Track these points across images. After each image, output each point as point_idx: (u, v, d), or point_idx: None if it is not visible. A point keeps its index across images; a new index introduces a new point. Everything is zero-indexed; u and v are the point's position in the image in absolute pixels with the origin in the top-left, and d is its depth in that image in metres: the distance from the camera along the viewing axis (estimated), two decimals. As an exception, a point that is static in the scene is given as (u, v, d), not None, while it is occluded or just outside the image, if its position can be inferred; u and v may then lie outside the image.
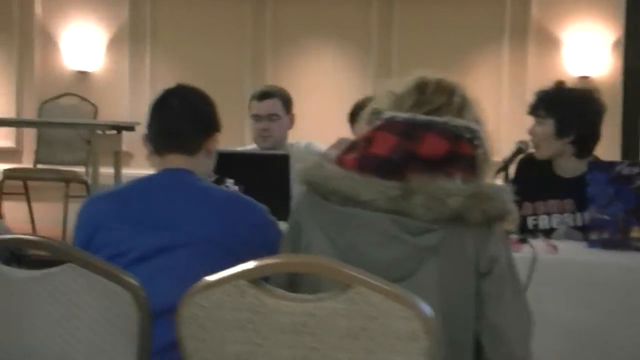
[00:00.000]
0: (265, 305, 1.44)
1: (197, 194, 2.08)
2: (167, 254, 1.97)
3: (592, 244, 2.88)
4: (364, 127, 1.94)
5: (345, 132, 6.18)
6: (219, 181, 3.05)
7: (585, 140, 3.19)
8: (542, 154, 3.23)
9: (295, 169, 3.36)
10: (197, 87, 2.24)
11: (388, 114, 1.81)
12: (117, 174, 5.76)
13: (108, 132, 5.73)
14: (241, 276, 1.45)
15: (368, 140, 1.79)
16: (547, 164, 3.25)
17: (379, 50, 6.50)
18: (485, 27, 6.32)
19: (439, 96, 1.86)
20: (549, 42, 6.28)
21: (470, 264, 1.74)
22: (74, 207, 6.07)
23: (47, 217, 6.21)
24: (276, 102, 3.76)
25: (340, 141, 3.47)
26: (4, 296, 1.52)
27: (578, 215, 3.20)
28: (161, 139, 2.15)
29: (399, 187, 1.72)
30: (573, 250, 2.87)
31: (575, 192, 3.14)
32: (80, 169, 6.09)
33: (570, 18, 6.24)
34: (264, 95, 3.78)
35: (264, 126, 3.72)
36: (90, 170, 5.70)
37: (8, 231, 2.13)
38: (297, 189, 3.44)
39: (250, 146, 3.95)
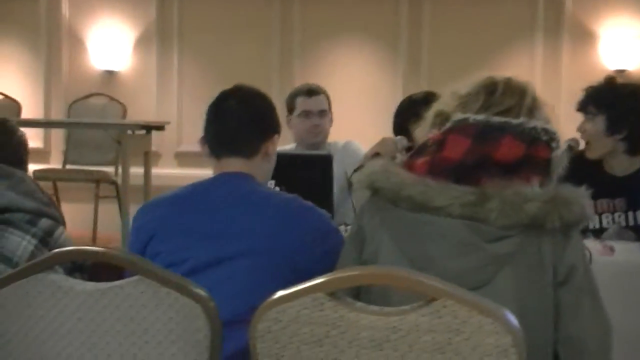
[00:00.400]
0: (344, 319, 1.37)
1: (257, 200, 2.00)
2: (226, 263, 1.90)
3: (648, 244, 2.81)
4: (426, 129, 1.86)
5: (374, 130, 6.12)
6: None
7: (638, 136, 3.10)
8: (594, 152, 3.14)
9: (335, 169, 3.32)
10: (254, 87, 2.18)
11: (459, 116, 1.74)
12: (147, 174, 5.72)
13: (137, 132, 5.69)
14: (320, 288, 1.38)
15: (439, 143, 1.72)
16: (597, 162, 3.16)
17: (409, 49, 6.42)
18: (517, 23, 6.23)
19: (509, 97, 1.80)
20: (585, 37, 6.18)
21: (547, 272, 1.66)
22: (104, 208, 6.06)
23: (77, 218, 6.16)
24: (324, 99, 3.72)
25: (383, 141, 3.39)
26: (70, 310, 1.46)
27: (630, 214, 3.11)
28: (218, 141, 2.08)
29: (474, 192, 1.65)
30: (628, 251, 2.79)
31: (627, 190, 3.06)
32: (109, 169, 6.06)
33: (606, 11, 6.14)
34: (313, 91, 3.72)
35: (315, 122, 3.66)
36: (120, 170, 5.65)
37: (71, 241, 2.06)
38: (338, 190, 3.40)
39: (289, 146, 3.88)
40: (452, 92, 1.86)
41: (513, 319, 1.37)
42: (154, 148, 5.98)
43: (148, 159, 5.71)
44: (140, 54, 6.67)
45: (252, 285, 1.86)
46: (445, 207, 1.66)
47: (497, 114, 1.77)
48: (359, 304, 1.40)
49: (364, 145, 3.79)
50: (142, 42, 6.66)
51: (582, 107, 3.17)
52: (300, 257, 1.92)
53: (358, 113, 6.29)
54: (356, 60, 6.49)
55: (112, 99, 6.43)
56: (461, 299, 1.33)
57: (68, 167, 6.27)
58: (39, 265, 1.47)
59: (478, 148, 1.68)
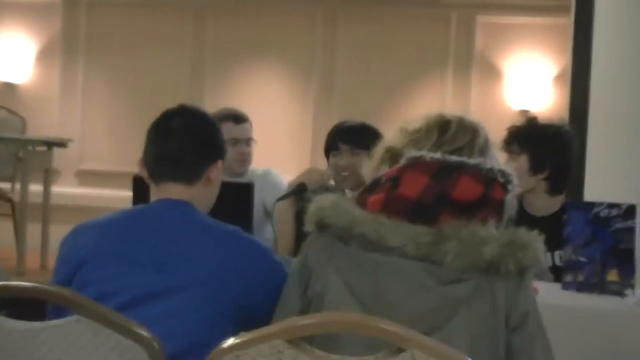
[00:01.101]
0: (304, 368, 1.28)
1: (198, 230, 1.87)
2: (159, 299, 1.75)
3: (566, 286, 2.81)
4: (374, 166, 1.81)
5: (282, 153, 6.06)
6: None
7: (559, 175, 3.14)
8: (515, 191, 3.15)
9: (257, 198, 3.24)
10: (199, 108, 2.05)
11: (414, 153, 1.69)
12: (47, 193, 5.47)
13: (38, 148, 5.45)
14: (279, 335, 1.28)
15: (394, 180, 1.66)
16: (517, 201, 3.17)
17: (322, 74, 6.42)
18: (430, 55, 6.31)
19: (461, 136, 1.77)
20: (491, 74, 6.31)
21: (500, 317, 1.63)
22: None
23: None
24: (249, 126, 3.61)
25: (309, 171, 3.33)
26: (-2, 351, 1.31)
27: (548, 255, 3.13)
28: (158, 165, 1.94)
29: (430, 233, 1.60)
30: (547, 293, 2.79)
31: (546, 231, 3.07)
32: (4, 185, 5.76)
33: (512, 49, 6.28)
34: (240, 118, 3.60)
35: (242, 150, 3.54)
36: (19, 187, 5.38)
37: (6, 276, 1.88)
38: (258, 219, 3.30)
39: None
40: (400, 128, 1.81)
41: (479, 371, 1.31)
42: (54, 165, 5.73)
43: (48, 176, 5.47)
44: (42, 66, 6.41)
45: (192, 321, 1.74)
46: (400, 247, 1.60)
47: (449, 152, 1.73)
48: (319, 352, 1.31)
49: (275, 169, 3.73)
50: (45, 54, 6.41)
51: (505, 146, 3.19)
52: (244, 292, 1.81)
53: (266, 135, 6.21)
54: (268, 81, 6.43)
55: (10, 112, 6.14)
56: (431, 349, 1.26)
57: (-41, 181, 5.93)
58: (-37, 300, 1.32)
59: (436, 186, 1.63)
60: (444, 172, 1.65)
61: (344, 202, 1.69)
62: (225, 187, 3.22)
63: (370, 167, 1.82)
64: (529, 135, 3.16)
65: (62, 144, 5.54)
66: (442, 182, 1.63)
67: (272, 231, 3.56)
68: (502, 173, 1.69)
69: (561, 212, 3.05)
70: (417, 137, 1.77)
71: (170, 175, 1.92)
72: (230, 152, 3.54)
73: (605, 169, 4.71)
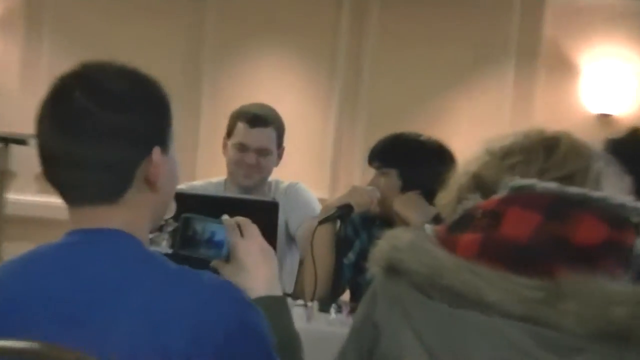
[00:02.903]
0: None
1: (123, 279, 1.45)
2: None
3: None
4: (453, 195, 1.74)
5: (301, 162, 6.00)
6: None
7: None
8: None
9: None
10: (117, 66, 1.55)
11: (520, 181, 1.62)
12: (1, 199, 5.44)
13: (-8, 146, 5.44)
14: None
15: (494, 216, 1.59)
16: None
17: (348, 66, 6.37)
18: (486, 45, 6.27)
19: (573, 159, 1.71)
20: (563, 69, 6.28)
21: (631, 399, 1.55)
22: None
23: None
24: (271, 133, 3.55)
25: (355, 190, 3.33)
26: None
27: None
28: (54, 173, 1.53)
29: (544, 287, 1.52)
30: None
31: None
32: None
33: (590, 39, 6.24)
34: (259, 120, 3.52)
35: (249, 161, 3.47)
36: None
37: None
38: (280, 243, 3.25)
39: (216, 179, 3.69)
40: (486, 149, 1.76)
41: None
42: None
43: (4, 179, 5.44)
44: (-1, 43, 6.38)
45: None
46: (500, 303, 1.53)
47: (556, 180, 1.66)
48: None
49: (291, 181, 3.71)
50: (1, 30, 6.36)
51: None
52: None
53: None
54: (282, 74, 6.41)
55: (-42, 99, 6.13)
56: None
57: None
58: None
59: (551, 227, 1.56)
60: (560, 208, 1.58)
61: (424, 242, 1.62)
62: (247, 204, 3.19)
63: (447, 198, 1.75)
64: (630, 150, 3.09)
65: (21, 140, 5.50)
66: (560, 221, 1.56)
67: (297, 256, 3.53)
68: (637, 211, 1.62)
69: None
70: (515, 159, 1.70)
71: (79, 193, 1.50)
72: (235, 158, 3.47)
73: None
